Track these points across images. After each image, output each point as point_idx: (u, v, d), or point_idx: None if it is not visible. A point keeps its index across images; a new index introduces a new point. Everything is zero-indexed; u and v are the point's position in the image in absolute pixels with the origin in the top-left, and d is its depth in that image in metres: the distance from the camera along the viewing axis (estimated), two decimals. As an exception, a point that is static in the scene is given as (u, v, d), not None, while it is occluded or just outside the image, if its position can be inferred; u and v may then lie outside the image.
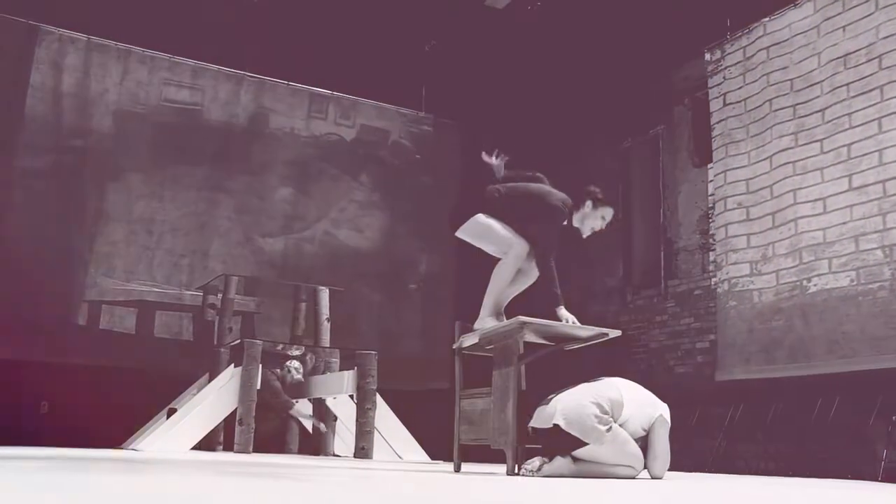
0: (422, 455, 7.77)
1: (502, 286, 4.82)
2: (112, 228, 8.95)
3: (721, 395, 8.03)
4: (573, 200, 4.86)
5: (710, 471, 7.63)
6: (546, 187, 4.95)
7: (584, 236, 4.93)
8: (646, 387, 4.45)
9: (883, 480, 6.31)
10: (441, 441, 7.73)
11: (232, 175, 9.60)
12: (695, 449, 8.04)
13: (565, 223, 4.85)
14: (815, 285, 7.34)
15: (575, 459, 4.10)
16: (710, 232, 8.58)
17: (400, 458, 7.63)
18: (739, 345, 7.98)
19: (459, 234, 4.89)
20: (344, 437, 7.98)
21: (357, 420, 7.53)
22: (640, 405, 4.23)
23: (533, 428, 4.28)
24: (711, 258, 8.55)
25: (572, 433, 4.03)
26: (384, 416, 7.76)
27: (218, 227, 9.46)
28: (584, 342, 4.81)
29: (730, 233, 8.19)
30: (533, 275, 4.91)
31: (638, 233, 9.83)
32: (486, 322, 4.74)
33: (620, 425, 4.13)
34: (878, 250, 6.87)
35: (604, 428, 4.02)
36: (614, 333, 4.72)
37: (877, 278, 6.87)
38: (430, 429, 7.99)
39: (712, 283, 8.46)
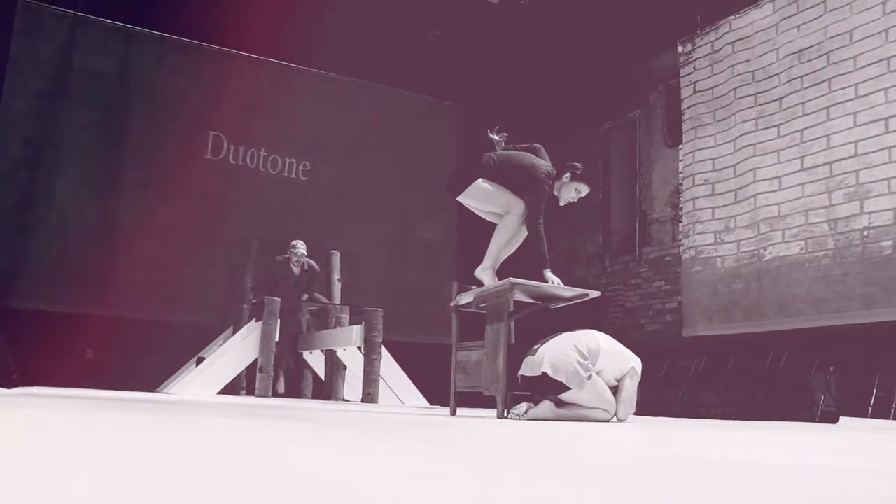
0: (422, 401, 8.01)
1: (506, 240, 4.88)
2: (143, 195, 9.31)
3: (686, 350, 8.26)
4: (557, 171, 4.88)
5: (675, 416, 7.91)
6: (533, 159, 4.92)
7: (560, 204, 4.95)
8: (621, 342, 4.53)
9: (819, 422, 6.63)
10: (439, 389, 7.79)
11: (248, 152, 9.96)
12: (663, 397, 8.20)
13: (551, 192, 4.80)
14: (769, 253, 7.56)
15: (557, 404, 4.23)
16: (680, 205, 8.73)
17: (402, 402, 7.83)
18: (703, 305, 8.18)
19: (462, 198, 4.82)
20: (353, 384, 8.18)
21: (364, 369, 7.72)
22: (614, 357, 4.34)
23: (522, 376, 4.38)
24: (680, 228, 8.69)
25: (558, 379, 4.15)
26: (389, 366, 7.95)
27: (245, 196, 9.78)
28: (567, 301, 4.92)
29: (697, 206, 8.37)
30: (522, 236, 5.00)
31: (616, 206, 9.95)
32: (486, 272, 4.82)
33: (597, 373, 4.25)
34: (824, 223, 7.12)
35: (585, 374, 4.16)
36: (594, 294, 4.87)
37: (822, 247, 7.13)
38: (430, 378, 8.23)
39: (681, 250, 8.61)
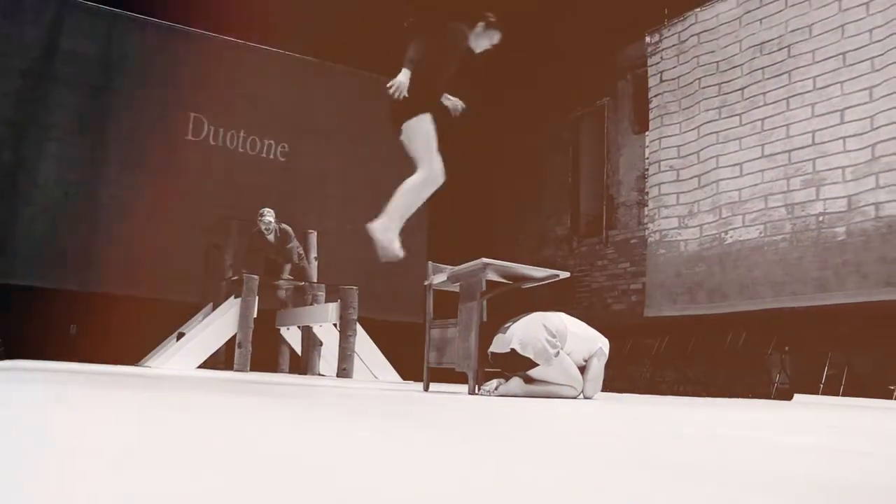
0: (395, 376, 8.01)
1: (413, 207, 4.69)
2: (125, 175, 9.21)
3: (650, 329, 8.35)
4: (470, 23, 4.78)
5: (638, 392, 8.00)
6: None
7: (477, 52, 4.82)
8: (587, 321, 4.57)
9: (775, 398, 6.85)
10: (411, 365, 7.87)
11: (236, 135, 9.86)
12: (627, 374, 8.37)
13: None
14: (731, 237, 7.62)
15: (526, 381, 4.24)
16: (646, 190, 8.77)
17: (376, 377, 7.83)
18: (668, 287, 8.25)
19: (405, 126, 4.59)
20: (328, 359, 8.14)
21: (339, 345, 7.66)
22: (582, 340, 4.35)
23: (492, 353, 4.38)
24: (646, 212, 8.73)
25: (527, 355, 4.16)
26: (363, 342, 7.92)
27: (225, 176, 9.70)
28: (538, 282, 4.92)
29: (662, 191, 8.41)
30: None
31: (585, 189, 9.98)
32: (394, 241, 4.63)
33: (567, 354, 4.26)
34: (782, 208, 7.19)
35: (553, 351, 4.17)
36: (564, 275, 4.87)
37: (780, 231, 7.20)
38: (403, 354, 8.30)
39: (646, 233, 8.67)
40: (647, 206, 8.75)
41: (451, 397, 3.85)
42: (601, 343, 4.42)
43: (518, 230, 10.87)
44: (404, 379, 8.04)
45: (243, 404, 2.18)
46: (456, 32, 4.58)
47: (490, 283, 4.76)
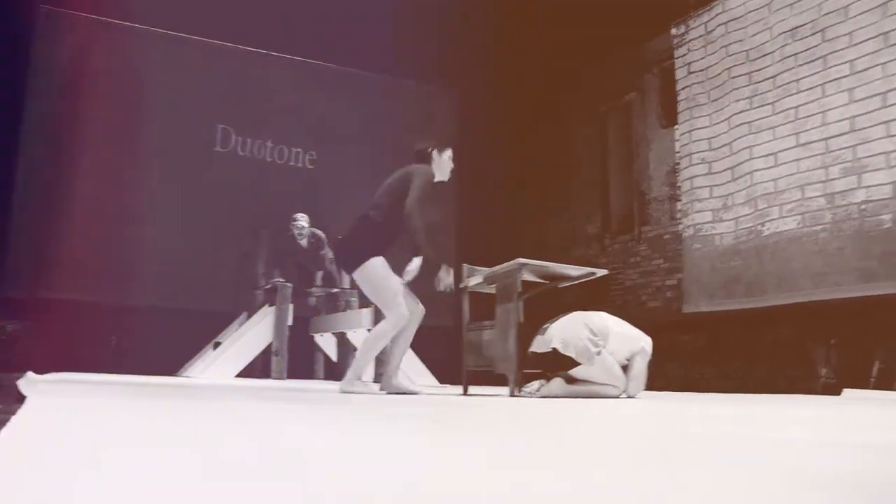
0: (432, 379, 7.97)
1: (375, 352, 4.65)
2: (159, 189, 9.23)
3: (686, 326, 8.17)
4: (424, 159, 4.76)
5: (676, 390, 7.87)
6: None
7: (446, 180, 4.86)
8: (623, 319, 4.51)
9: (822, 394, 6.61)
10: (446, 368, 8.05)
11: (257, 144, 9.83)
12: (664, 372, 8.17)
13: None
14: (767, 229, 7.41)
15: (568, 381, 4.21)
16: (677, 184, 8.58)
17: (413, 382, 7.75)
18: (704, 282, 8.06)
19: (355, 276, 4.59)
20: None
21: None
22: (625, 339, 4.35)
23: (532, 353, 4.37)
24: (679, 207, 8.55)
25: (568, 354, 4.13)
26: None
27: (254, 186, 9.73)
28: (574, 280, 4.89)
29: (694, 185, 8.23)
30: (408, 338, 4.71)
31: (614, 186, 9.80)
32: (364, 386, 4.50)
33: (609, 353, 4.24)
34: (820, 198, 6.95)
35: (595, 350, 4.14)
36: (601, 272, 4.85)
37: (819, 222, 6.96)
38: (436, 358, 8.26)
39: (679, 228, 8.48)
40: (679, 200, 8.56)
41: (491, 400, 3.83)
42: (644, 342, 4.40)
43: (547, 230, 10.74)
44: (441, 382, 7.99)
45: (300, 413, 2.12)
46: (429, 176, 4.61)
47: (525, 284, 4.69)
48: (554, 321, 4.37)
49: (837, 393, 6.37)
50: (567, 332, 4.20)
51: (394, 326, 4.45)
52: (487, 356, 4.77)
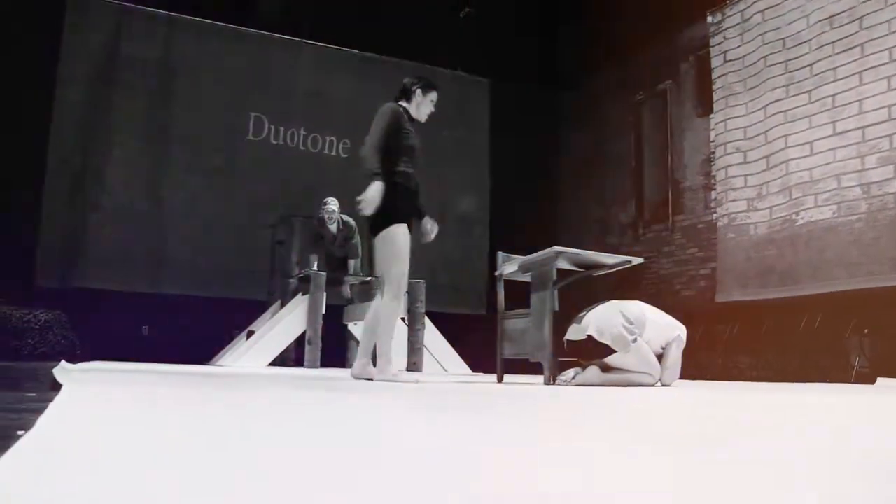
0: (465, 368, 8.04)
1: (392, 332, 4.48)
2: (190, 178, 9.47)
3: (721, 315, 8.24)
4: (404, 93, 4.69)
5: (711, 379, 7.85)
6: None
7: (423, 120, 4.74)
8: (657, 308, 4.50)
9: (855, 382, 6.71)
10: (479, 356, 8.11)
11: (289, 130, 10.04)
12: (698, 361, 8.17)
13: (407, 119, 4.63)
14: (802, 218, 7.49)
15: (603, 369, 4.25)
16: (712, 174, 8.68)
17: (446, 370, 7.88)
18: (738, 271, 8.15)
19: (376, 239, 4.43)
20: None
21: (408, 339, 7.76)
22: (660, 327, 4.37)
23: (567, 341, 4.41)
24: (713, 196, 8.63)
25: (604, 341, 4.17)
26: (432, 335, 7.99)
27: (287, 174, 9.88)
28: (610, 269, 4.93)
29: (729, 174, 8.30)
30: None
31: (649, 175, 9.87)
32: (387, 372, 4.33)
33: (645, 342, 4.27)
34: (856, 187, 7.03)
35: (630, 337, 4.17)
36: (637, 261, 4.88)
37: (854, 211, 7.04)
38: (469, 346, 8.37)
39: (714, 217, 8.55)
40: (714, 189, 8.65)
41: (528, 388, 3.87)
42: (679, 331, 4.44)
43: (581, 218, 10.87)
44: (473, 371, 8.07)
45: (353, 402, 2.27)
46: (392, 113, 4.57)
47: (560, 272, 4.78)
48: (590, 309, 4.42)
49: (871, 382, 6.51)
50: (603, 319, 4.25)
51: (397, 300, 4.39)
52: (522, 344, 4.85)
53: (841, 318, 7.15)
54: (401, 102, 4.67)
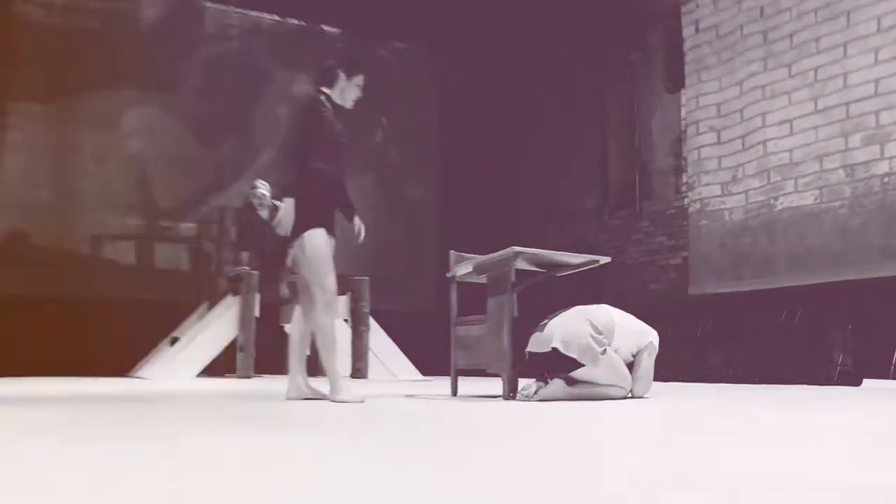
0: (415, 373, 7.89)
1: (335, 346, 4.26)
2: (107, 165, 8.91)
3: (693, 309, 8.09)
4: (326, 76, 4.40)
5: (683, 379, 7.76)
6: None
7: (350, 107, 4.43)
8: (623, 302, 4.49)
9: (838, 383, 6.53)
10: (429, 358, 7.98)
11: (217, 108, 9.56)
12: (669, 359, 8.08)
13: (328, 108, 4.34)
14: (781, 204, 7.38)
15: (569, 382, 4.13)
16: (683, 154, 8.51)
17: (395, 376, 7.73)
18: (711, 261, 8.03)
19: (297, 244, 4.23)
20: (340, 358, 7.97)
21: (352, 342, 7.63)
22: (630, 334, 4.31)
23: (529, 353, 4.29)
24: (684, 179, 8.48)
25: (570, 355, 4.05)
26: (378, 338, 7.87)
27: (209, 160, 9.43)
28: (575, 268, 4.83)
29: (702, 155, 8.16)
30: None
31: (614, 156, 9.69)
32: (341, 394, 4.06)
33: (613, 350, 4.18)
34: (840, 170, 6.90)
35: (599, 349, 4.07)
36: (604, 260, 4.79)
37: (838, 196, 6.91)
38: (419, 347, 8.19)
39: (685, 203, 8.43)
40: (685, 172, 8.49)
41: (486, 404, 3.87)
42: (651, 337, 4.40)
43: (540, 203, 10.58)
44: (424, 374, 7.94)
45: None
46: (310, 106, 4.28)
47: (520, 273, 4.61)
48: (552, 317, 4.28)
49: (857, 383, 6.28)
50: (568, 330, 4.11)
51: (330, 311, 4.19)
52: (479, 354, 4.71)
53: (823, 312, 7.01)
54: (322, 88, 4.34)
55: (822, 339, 6.99)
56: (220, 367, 7.70)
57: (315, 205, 4.15)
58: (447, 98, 10.71)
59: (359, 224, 4.52)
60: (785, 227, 7.37)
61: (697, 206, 8.25)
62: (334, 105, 4.33)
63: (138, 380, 7.15)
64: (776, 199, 7.46)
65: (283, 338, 8.55)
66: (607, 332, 4.18)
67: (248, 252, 7.86)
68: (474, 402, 4.21)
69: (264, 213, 7.73)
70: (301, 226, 4.10)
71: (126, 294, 8.54)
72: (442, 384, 5.84)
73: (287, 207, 4.05)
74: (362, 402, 3.90)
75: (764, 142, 7.55)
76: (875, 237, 6.64)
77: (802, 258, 7.22)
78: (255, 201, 7.75)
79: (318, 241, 4.14)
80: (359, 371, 7.57)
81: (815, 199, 7.13)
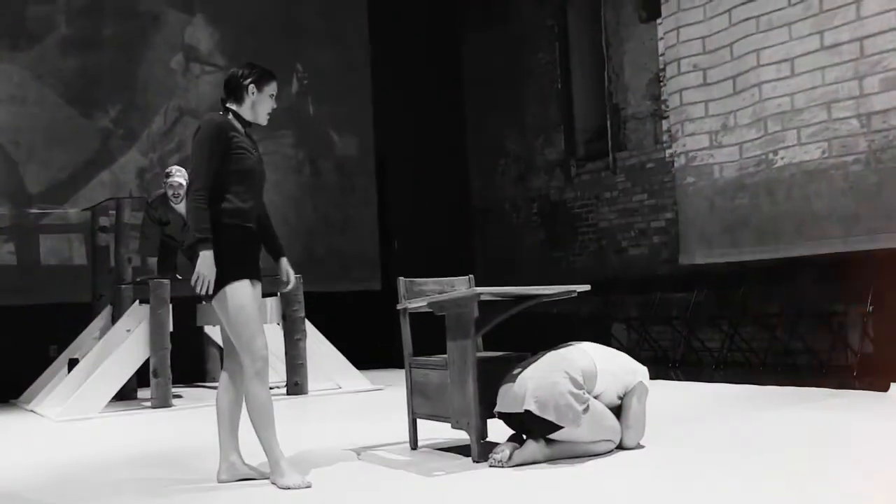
0: (362, 381, 7.55)
1: (272, 419, 3.91)
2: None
3: (681, 280, 8.00)
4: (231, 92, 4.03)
5: (672, 365, 7.67)
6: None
7: (264, 123, 4.12)
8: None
9: (857, 374, 6.33)
10: (373, 350, 8.28)
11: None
12: (655, 339, 8.09)
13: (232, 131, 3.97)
14: (782, 158, 7.29)
15: (548, 442, 3.96)
16: (663, 98, 8.35)
17: (339, 387, 7.41)
18: (700, 225, 7.92)
19: (216, 299, 3.89)
20: (275, 366, 7.22)
21: (287, 353, 7.24)
22: (615, 376, 4.12)
23: (499, 413, 4.09)
24: (665, 128, 8.40)
25: (547, 418, 3.86)
26: (317, 344, 7.47)
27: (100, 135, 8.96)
28: (548, 299, 4.56)
29: (685, 99, 8.04)
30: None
31: (580, 99, 9.53)
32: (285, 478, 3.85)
33: (595, 397, 3.98)
34: (853, 119, 6.80)
35: (581, 408, 3.86)
36: (582, 288, 4.46)
37: (851, 150, 6.80)
38: (359, 336, 8.32)
39: (667, 155, 8.33)
40: (666, 118, 8.32)
41: (455, 476, 3.82)
42: (641, 376, 4.22)
43: (496, 154, 10.36)
44: (370, 365, 8.00)
45: None
46: (214, 132, 3.87)
47: (485, 305, 4.32)
48: (525, 366, 4.07)
49: (884, 389, 5.83)
50: (543, 386, 3.89)
51: (262, 380, 3.86)
52: (441, 404, 4.45)
53: (835, 287, 6.88)
54: (229, 105, 3.96)
55: (835, 319, 6.93)
56: (132, 388, 7.31)
57: (234, 253, 3.77)
58: (378, 28, 10.13)
59: (287, 271, 4.11)
60: (787, 187, 7.28)
61: (682, 159, 8.04)
62: (245, 123, 3.92)
63: (34, 415, 6.74)
64: (776, 153, 7.34)
65: (203, 339, 8.36)
66: (588, 378, 3.98)
67: (152, 258, 7.42)
68: (439, 462, 4.13)
69: (181, 207, 7.10)
70: (220, 279, 3.70)
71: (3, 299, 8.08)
72: (394, 398, 5.75)
73: (204, 262, 3.64)
74: (309, 486, 3.68)
75: (759, 84, 7.35)
76: (895, 198, 6.56)
77: (809, 223, 7.15)
78: (171, 191, 7.14)
79: (242, 298, 3.75)
80: (297, 386, 7.16)
81: (823, 153, 7.01)
